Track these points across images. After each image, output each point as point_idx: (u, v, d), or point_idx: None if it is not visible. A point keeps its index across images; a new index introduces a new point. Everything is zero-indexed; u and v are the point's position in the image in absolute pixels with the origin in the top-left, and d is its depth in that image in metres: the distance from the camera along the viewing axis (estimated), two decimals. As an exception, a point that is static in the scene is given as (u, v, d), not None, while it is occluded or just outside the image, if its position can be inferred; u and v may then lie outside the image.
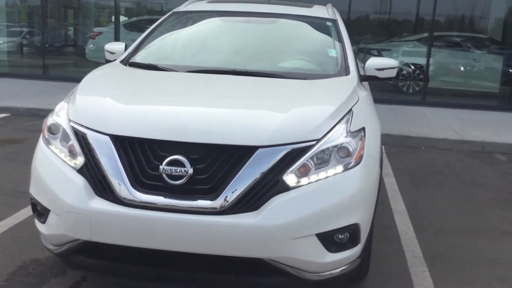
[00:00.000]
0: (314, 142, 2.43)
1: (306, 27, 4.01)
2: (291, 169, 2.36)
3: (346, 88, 2.99)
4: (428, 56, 10.27)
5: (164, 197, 2.33)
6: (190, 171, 2.31)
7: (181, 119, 2.48)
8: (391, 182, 5.16)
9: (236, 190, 2.30)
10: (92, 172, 2.41)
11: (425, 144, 6.95)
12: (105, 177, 2.37)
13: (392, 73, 3.60)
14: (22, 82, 10.40)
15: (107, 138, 2.42)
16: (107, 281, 2.76)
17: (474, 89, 11.09)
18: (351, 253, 2.50)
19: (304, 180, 2.36)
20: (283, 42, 3.92)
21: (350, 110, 2.70)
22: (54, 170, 2.51)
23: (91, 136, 2.47)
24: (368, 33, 12.05)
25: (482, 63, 11.14)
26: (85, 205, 2.35)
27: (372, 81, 3.68)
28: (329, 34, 3.89)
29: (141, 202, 2.33)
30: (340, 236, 2.44)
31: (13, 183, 4.53)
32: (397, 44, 11.37)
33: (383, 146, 3.32)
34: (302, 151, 2.40)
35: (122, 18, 12.18)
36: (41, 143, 2.70)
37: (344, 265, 2.52)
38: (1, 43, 13.14)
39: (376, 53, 10.90)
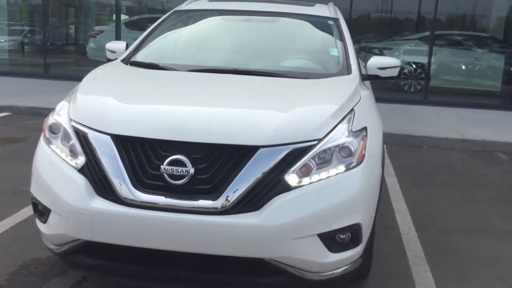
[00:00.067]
0: (316, 142, 2.42)
1: (307, 26, 4.00)
2: (292, 169, 2.35)
3: (348, 87, 2.98)
4: (430, 54, 10.25)
5: (165, 197, 2.32)
6: (192, 171, 2.31)
7: (182, 119, 2.47)
8: (392, 182, 5.15)
9: (237, 190, 2.29)
10: (93, 172, 2.41)
11: (426, 143, 6.94)
12: (106, 177, 2.37)
13: (394, 72, 3.59)
14: (23, 80, 10.40)
15: (108, 137, 2.42)
16: (108, 281, 2.76)
17: (476, 88, 11.07)
18: (353, 253, 2.49)
19: (305, 180, 2.36)
20: (285, 41, 3.91)
21: (352, 109, 2.69)
22: (55, 169, 2.51)
23: (92, 135, 2.46)
24: (369, 32, 12.03)
25: (484, 62, 11.12)
26: (86, 205, 2.35)
27: (374, 80, 3.67)
28: (331, 33, 3.88)
29: (142, 202, 2.32)
30: (342, 236, 2.43)
31: (14, 182, 4.52)
32: (398, 42, 11.35)
33: (384, 145, 3.31)
34: (304, 151, 2.39)
35: (123, 17, 12.17)
36: (42, 142, 2.69)
37: (346, 265, 2.51)
38: (2, 42, 13.15)
39: (378, 52, 10.89)
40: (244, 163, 2.31)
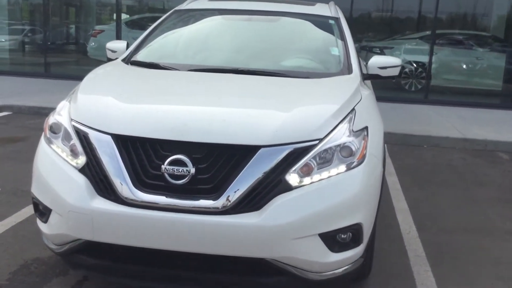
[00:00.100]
0: (317, 142, 2.42)
1: (308, 25, 3.99)
2: (293, 168, 2.34)
3: (348, 87, 2.98)
4: (431, 54, 10.25)
5: (166, 197, 2.32)
6: (192, 170, 2.30)
7: (183, 119, 2.47)
8: (393, 181, 5.15)
9: (238, 189, 2.29)
10: (94, 172, 2.40)
11: (427, 142, 6.93)
12: (107, 176, 2.37)
13: (395, 72, 3.59)
14: (24, 80, 10.40)
15: (109, 137, 2.41)
16: (109, 281, 2.75)
17: (476, 87, 11.06)
18: (354, 253, 2.49)
19: (306, 180, 2.35)
20: (286, 41, 3.90)
21: (353, 109, 2.69)
22: (55, 169, 2.51)
23: (92, 135, 2.46)
24: (370, 31, 12.03)
25: (485, 61, 11.11)
26: (87, 204, 2.34)
27: (374, 80, 3.67)
28: (332, 33, 3.87)
29: (143, 201, 2.32)
30: (343, 236, 2.43)
31: (15, 181, 4.52)
32: (399, 42, 11.34)
33: (385, 145, 3.31)
34: (305, 151, 2.38)
35: (124, 16, 12.17)
36: (42, 142, 2.69)
37: (347, 265, 2.51)
38: (3, 41, 13.15)
39: (378, 51, 10.88)
40: (245, 163, 2.31)
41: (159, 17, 4.18)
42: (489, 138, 6.94)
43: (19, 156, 5.38)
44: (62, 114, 2.69)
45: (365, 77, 3.52)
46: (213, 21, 4.15)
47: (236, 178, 2.30)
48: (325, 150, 2.42)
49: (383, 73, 3.56)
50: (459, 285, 3.14)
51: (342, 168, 2.42)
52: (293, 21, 4.03)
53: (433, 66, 10.53)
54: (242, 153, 2.33)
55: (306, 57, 3.69)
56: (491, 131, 7.43)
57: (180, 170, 2.30)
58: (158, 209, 2.31)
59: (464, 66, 11.19)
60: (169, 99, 2.83)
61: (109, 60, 3.84)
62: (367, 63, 3.62)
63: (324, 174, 2.38)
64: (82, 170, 2.43)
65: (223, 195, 2.29)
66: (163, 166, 2.32)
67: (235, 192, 2.29)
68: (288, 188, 2.32)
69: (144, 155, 2.37)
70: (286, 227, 2.27)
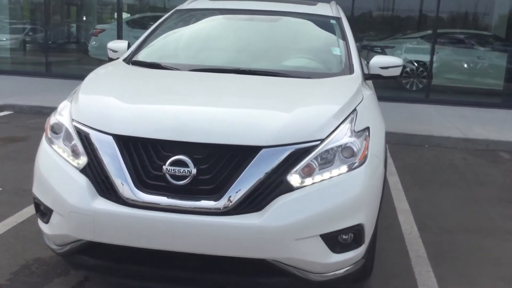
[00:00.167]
0: (318, 142, 2.41)
1: (310, 25, 3.99)
2: (295, 169, 2.34)
3: (350, 87, 2.97)
4: (432, 53, 10.23)
5: (167, 198, 2.32)
6: (194, 171, 2.30)
7: (184, 119, 2.47)
8: (394, 181, 5.14)
9: (239, 190, 2.29)
10: (95, 172, 2.40)
11: (428, 142, 6.92)
12: (108, 177, 2.36)
13: (397, 72, 3.58)
14: (25, 79, 10.40)
15: (110, 138, 2.41)
16: (110, 281, 2.75)
17: (478, 86, 11.04)
18: (356, 254, 2.49)
19: (308, 181, 2.35)
20: (287, 40, 3.89)
21: (355, 109, 2.68)
22: (57, 170, 2.50)
23: (94, 135, 2.46)
24: (371, 30, 12.01)
25: (486, 60, 11.09)
26: (88, 205, 2.34)
27: (376, 80, 3.66)
28: (333, 32, 3.87)
29: (144, 202, 2.32)
30: (344, 236, 2.43)
31: (16, 181, 4.52)
32: (400, 41, 11.33)
33: (387, 145, 3.30)
34: (306, 151, 2.38)
35: (125, 15, 12.16)
36: (43, 142, 2.69)
37: (348, 266, 2.50)
38: (4, 40, 13.15)
39: (380, 51, 10.87)
40: (247, 164, 2.31)
41: (160, 17, 4.18)
42: (491, 138, 6.93)
43: (20, 155, 5.38)
44: (63, 114, 2.68)
45: (367, 77, 3.51)
46: (215, 21, 4.15)
47: (238, 179, 2.29)
48: (327, 151, 2.41)
49: (385, 73, 3.55)
50: (460, 285, 3.13)
51: (344, 168, 2.42)
52: (295, 21, 4.02)
53: (435, 65, 10.52)
54: (243, 154, 2.33)
55: (308, 57, 3.69)
56: (492, 130, 7.42)
57: (182, 171, 2.30)
58: (160, 209, 2.31)
59: (466, 66, 11.17)
60: (171, 99, 2.82)
61: (110, 60, 3.84)
62: (368, 63, 3.61)
63: (326, 175, 2.38)
64: (83, 170, 2.43)
65: (225, 195, 2.29)
66: (164, 167, 2.31)
67: (236, 192, 2.29)
68: (290, 188, 2.32)
69: (145, 155, 2.37)
70: (287, 228, 2.27)
